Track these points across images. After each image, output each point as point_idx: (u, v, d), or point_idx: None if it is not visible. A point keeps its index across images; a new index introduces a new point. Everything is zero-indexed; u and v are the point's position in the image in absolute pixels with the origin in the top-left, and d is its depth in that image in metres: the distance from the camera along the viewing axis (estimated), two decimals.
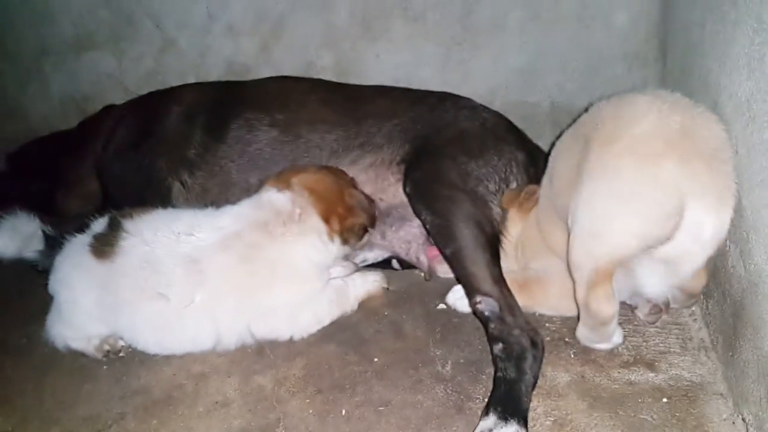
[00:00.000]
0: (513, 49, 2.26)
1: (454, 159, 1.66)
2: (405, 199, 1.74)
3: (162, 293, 1.42)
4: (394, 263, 1.87)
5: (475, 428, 1.21)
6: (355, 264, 1.81)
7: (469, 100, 1.92)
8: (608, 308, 1.23)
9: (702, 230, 1.14)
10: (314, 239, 1.54)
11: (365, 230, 1.64)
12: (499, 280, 1.43)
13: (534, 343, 1.33)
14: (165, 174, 1.92)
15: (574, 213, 1.25)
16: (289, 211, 1.52)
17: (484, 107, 1.89)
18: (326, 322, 1.57)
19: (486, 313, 1.38)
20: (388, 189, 1.79)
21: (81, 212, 2.15)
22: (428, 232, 1.63)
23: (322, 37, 2.37)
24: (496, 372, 1.30)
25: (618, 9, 2.14)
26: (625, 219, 1.17)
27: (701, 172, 1.13)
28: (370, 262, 1.87)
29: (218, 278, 1.44)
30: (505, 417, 1.20)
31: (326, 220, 1.54)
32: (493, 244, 1.53)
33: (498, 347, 1.33)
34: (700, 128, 1.18)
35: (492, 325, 1.36)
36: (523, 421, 1.20)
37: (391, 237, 1.82)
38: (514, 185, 1.67)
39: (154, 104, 2.13)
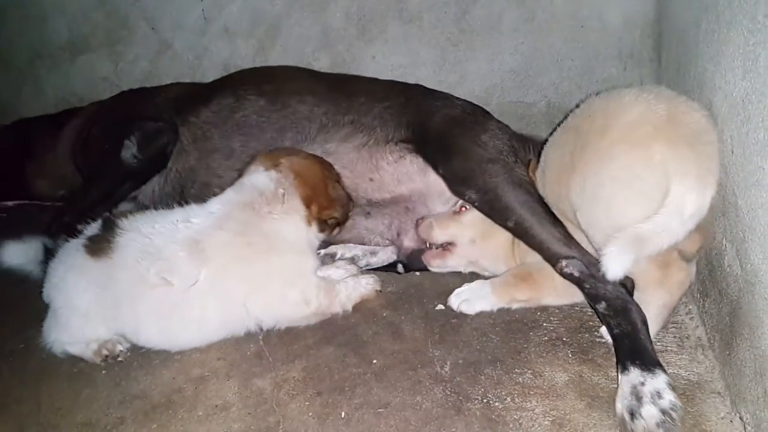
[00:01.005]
0: (508, 49, 2.27)
1: (463, 134, 1.65)
2: (397, 187, 1.76)
3: (166, 278, 1.44)
4: (399, 267, 1.87)
5: (620, 384, 1.22)
6: (359, 267, 1.81)
7: (440, 92, 1.91)
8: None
9: (684, 207, 1.18)
10: (296, 219, 1.58)
11: (338, 224, 1.69)
12: (571, 237, 1.42)
13: (626, 288, 1.34)
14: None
15: (584, 214, 1.31)
16: (272, 190, 1.57)
17: (455, 97, 1.88)
18: (313, 305, 1.56)
19: (576, 275, 1.37)
20: (385, 168, 1.77)
21: (50, 194, 2.21)
22: (479, 210, 1.60)
23: (319, 39, 2.37)
24: (611, 329, 1.32)
25: (613, 9, 2.15)
26: (628, 199, 1.23)
27: (685, 153, 1.20)
28: (374, 266, 1.86)
29: (219, 252, 1.48)
30: (648, 368, 1.21)
31: (307, 205, 1.59)
32: (545, 204, 1.51)
33: (602, 306, 1.33)
34: (683, 114, 1.26)
35: (587, 285, 1.36)
36: (663, 368, 1.22)
37: (375, 214, 1.83)
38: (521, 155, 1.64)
39: (142, 92, 2.18)
